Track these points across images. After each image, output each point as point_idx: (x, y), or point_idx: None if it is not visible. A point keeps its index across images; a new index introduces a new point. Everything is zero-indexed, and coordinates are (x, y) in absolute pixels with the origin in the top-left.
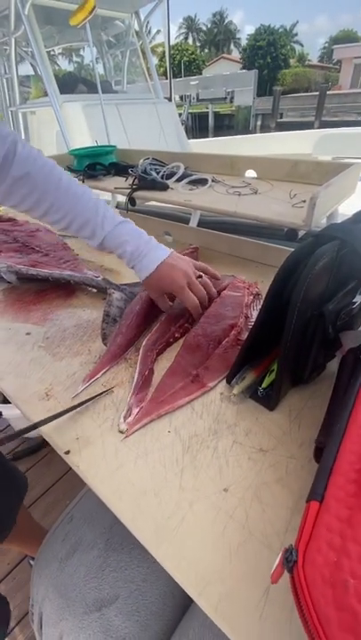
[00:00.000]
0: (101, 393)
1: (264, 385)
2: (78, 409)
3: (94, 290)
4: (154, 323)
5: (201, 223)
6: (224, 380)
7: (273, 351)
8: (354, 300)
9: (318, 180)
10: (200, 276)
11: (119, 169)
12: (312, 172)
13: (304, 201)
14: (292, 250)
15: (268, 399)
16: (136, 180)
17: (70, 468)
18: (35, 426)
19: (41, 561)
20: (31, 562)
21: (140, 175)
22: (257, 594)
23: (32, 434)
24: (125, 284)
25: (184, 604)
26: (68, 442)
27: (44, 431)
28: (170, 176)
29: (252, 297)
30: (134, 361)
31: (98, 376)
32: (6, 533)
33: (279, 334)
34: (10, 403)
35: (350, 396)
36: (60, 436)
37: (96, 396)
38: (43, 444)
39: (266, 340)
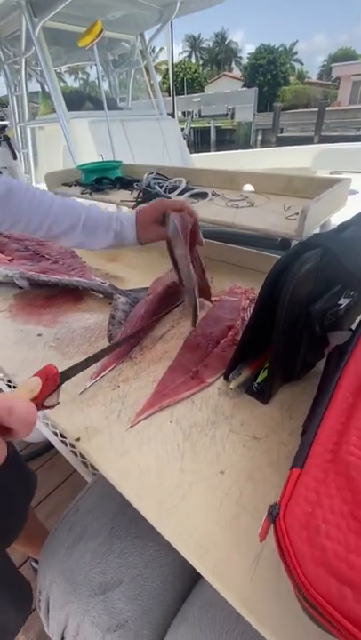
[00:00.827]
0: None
1: (258, 380)
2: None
3: (101, 295)
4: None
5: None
6: (222, 377)
7: (267, 349)
8: (339, 303)
9: (311, 193)
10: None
11: (125, 183)
12: (305, 186)
13: (297, 213)
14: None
15: (262, 393)
16: (141, 194)
17: (73, 471)
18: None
19: (48, 550)
20: (33, 564)
21: (145, 189)
22: (249, 559)
23: (36, 438)
24: (130, 290)
25: (184, 593)
26: (78, 431)
27: (57, 422)
28: (172, 190)
29: (248, 301)
30: (139, 360)
31: (104, 373)
32: (18, 533)
33: (272, 334)
34: None
35: (331, 383)
36: (70, 425)
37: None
38: (47, 447)
39: (260, 338)
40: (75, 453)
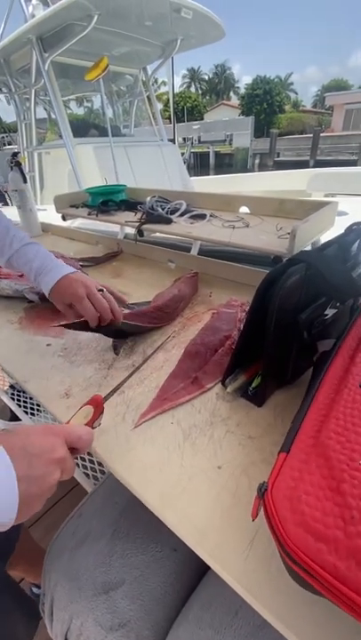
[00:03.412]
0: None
1: (253, 385)
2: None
3: None
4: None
5: (201, 252)
6: (220, 383)
7: (261, 357)
8: (326, 313)
9: (302, 215)
10: (102, 290)
11: (129, 205)
12: (296, 208)
13: (288, 233)
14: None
15: (257, 397)
16: (144, 215)
17: (73, 487)
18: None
19: (52, 553)
20: (34, 589)
21: (148, 211)
22: (243, 543)
23: None
24: (134, 304)
25: (185, 593)
26: None
27: None
28: (173, 211)
29: (244, 313)
30: (142, 367)
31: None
32: (12, 551)
33: (264, 342)
34: (19, 420)
35: (316, 381)
36: None
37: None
38: None
39: (254, 347)
40: (77, 465)
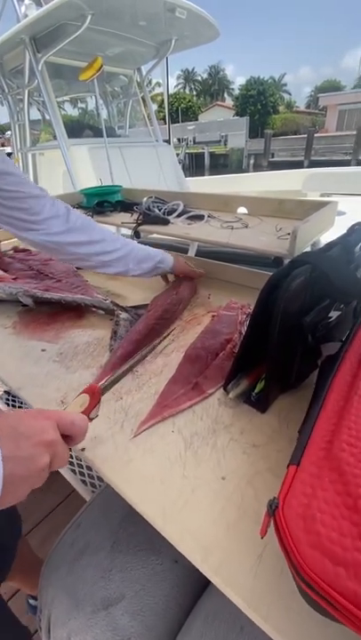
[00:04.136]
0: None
1: (256, 390)
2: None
3: (102, 312)
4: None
5: (198, 253)
6: (221, 388)
7: (264, 361)
8: (330, 315)
9: (301, 215)
10: None
11: (125, 206)
12: (296, 208)
13: (288, 234)
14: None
15: (260, 403)
16: (140, 216)
17: (70, 493)
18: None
19: (50, 565)
20: (31, 601)
21: (144, 212)
22: (251, 559)
23: None
24: (131, 307)
25: (187, 607)
26: (83, 442)
27: None
28: (170, 212)
29: (244, 316)
30: (140, 372)
31: (102, 382)
32: (7, 572)
33: (267, 345)
34: None
35: (324, 387)
36: None
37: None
38: None
39: (256, 350)
40: (74, 472)
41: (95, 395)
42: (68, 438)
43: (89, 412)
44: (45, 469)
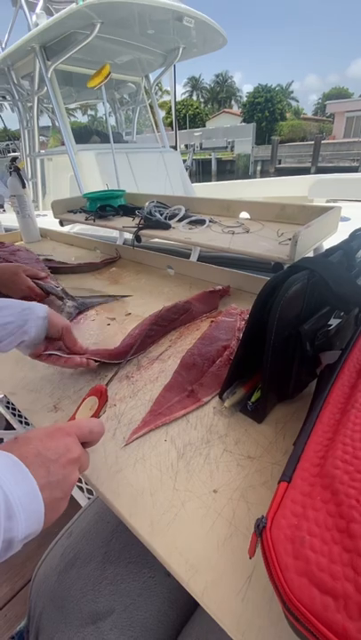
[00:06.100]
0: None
1: (253, 400)
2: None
3: (60, 302)
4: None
5: (200, 258)
6: (217, 396)
7: (261, 369)
8: (329, 323)
9: (304, 220)
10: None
11: (127, 210)
12: (298, 213)
13: (289, 239)
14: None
15: (256, 413)
16: (142, 221)
17: None
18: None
19: (40, 575)
20: None
21: (146, 216)
22: (240, 580)
23: None
24: (81, 297)
25: (179, 623)
26: None
27: None
28: (172, 217)
29: (243, 322)
30: (135, 379)
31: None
32: None
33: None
34: (13, 429)
35: (320, 400)
36: None
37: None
38: None
39: (253, 358)
40: None
41: (103, 395)
42: (86, 443)
43: (98, 413)
44: (77, 481)
